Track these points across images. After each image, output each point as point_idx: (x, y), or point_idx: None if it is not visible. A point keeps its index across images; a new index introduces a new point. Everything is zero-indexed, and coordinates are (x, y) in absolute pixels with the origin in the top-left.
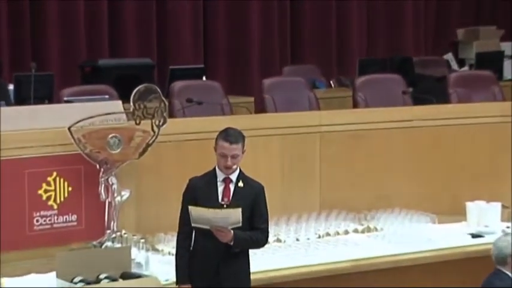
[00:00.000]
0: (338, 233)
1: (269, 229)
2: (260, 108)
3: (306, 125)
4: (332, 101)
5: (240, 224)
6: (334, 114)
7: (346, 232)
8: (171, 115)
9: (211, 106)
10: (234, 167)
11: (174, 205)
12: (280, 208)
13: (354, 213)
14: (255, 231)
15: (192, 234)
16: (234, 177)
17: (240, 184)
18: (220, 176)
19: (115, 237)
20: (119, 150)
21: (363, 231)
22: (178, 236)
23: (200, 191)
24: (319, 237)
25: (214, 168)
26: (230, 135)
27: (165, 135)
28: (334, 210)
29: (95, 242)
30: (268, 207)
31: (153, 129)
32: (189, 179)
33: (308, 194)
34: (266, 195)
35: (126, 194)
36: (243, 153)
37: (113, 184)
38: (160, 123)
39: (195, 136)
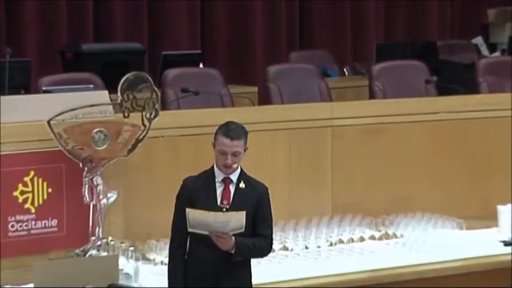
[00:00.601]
0: (352, 240)
1: (274, 236)
2: (264, 99)
3: (317, 118)
4: (346, 91)
5: (243, 230)
6: (348, 106)
7: (362, 239)
8: (164, 107)
9: (209, 97)
10: (235, 166)
11: (167, 208)
12: (287, 212)
13: (370, 217)
14: (258, 238)
15: (186, 242)
16: (234, 177)
17: (242, 185)
18: (219, 175)
19: (100, 245)
20: (104, 146)
21: (380, 238)
22: (171, 244)
23: (196, 192)
24: (331, 244)
25: (212, 167)
26: (231, 130)
27: (157, 129)
28: (348, 214)
29: (77, 250)
30: (273, 211)
31: (143, 123)
32: (184, 179)
33: (318, 196)
34: (271, 197)
35: (113, 196)
36: (245, 150)
37: (98, 185)
38: (152, 116)
39: (191, 131)
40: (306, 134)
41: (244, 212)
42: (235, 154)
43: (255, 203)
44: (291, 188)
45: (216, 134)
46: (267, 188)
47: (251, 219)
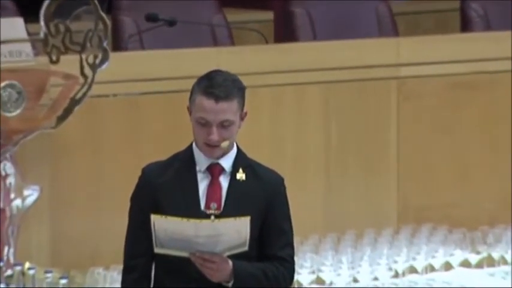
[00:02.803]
0: (432, 268)
1: (301, 260)
2: (285, 32)
3: (373, 64)
4: (421, 19)
5: (246, 248)
6: (425, 43)
7: (448, 266)
8: (118, 46)
9: (192, 29)
10: (224, 144)
11: (121, 215)
12: (323, 220)
13: (461, 230)
14: (270, 261)
15: (150, 271)
16: (227, 163)
17: (240, 175)
18: (202, 161)
19: (11, 276)
20: (18, 111)
21: (479, 265)
22: (124, 275)
23: (165, 189)
24: (397, 275)
25: (191, 148)
26: (215, 86)
27: (107, 83)
28: (424, 224)
29: None
30: (299, 219)
31: (83, 73)
32: (143, 168)
33: (375, 195)
34: (296, 195)
35: (32, 194)
36: (242, 118)
37: (7, 176)
38: (98, 61)
39: (163, 85)
40: (354, 92)
41: (248, 218)
42: (223, 124)
43: (263, 205)
44: (329, 180)
45: (192, 92)
46: (282, 180)
47: (258, 231)
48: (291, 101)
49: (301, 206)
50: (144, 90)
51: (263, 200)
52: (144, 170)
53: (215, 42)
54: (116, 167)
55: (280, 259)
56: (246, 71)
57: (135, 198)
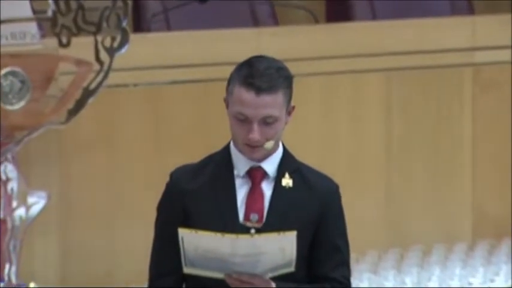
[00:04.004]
0: None
1: (357, 280)
2: (338, 10)
3: (443, 48)
4: None
5: (293, 268)
6: (505, 24)
7: None
8: (140, 26)
9: (228, 6)
10: (268, 144)
11: (140, 226)
12: (385, 234)
13: None
14: (321, 284)
15: None
16: (270, 166)
17: (286, 182)
18: (241, 164)
19: None
20: (22, 103)
21: None
22: None
23: (196, 198)
24: None
25: (228, 148)
26: (257, 75)
27: (126, 70)
28: (504, 239)
29: None
30: (348, 233)
31: (98, 58)
32: (171, 173)
33: (447, 203)
34: (352, 204)
35: (38, 201)
36: (289, 113)
37: (9, 180)
38: (115, 45)
39: (192, 73)
40: (421, 81)
41: (295, 233)
42: (266, 121)
43: (314, 215)
44: (391, 186)
45: (229, 81)
46: (336, 187)
47: (307, 249)
48: (346, 91)
49: (358, 218)
50: (170, 78)
51: (314, 211)
52: (172, 175)
53: (255, 22)
54: (137, 169)
55: (333, 281)
56: (292, 56)
57: (161, 208)
